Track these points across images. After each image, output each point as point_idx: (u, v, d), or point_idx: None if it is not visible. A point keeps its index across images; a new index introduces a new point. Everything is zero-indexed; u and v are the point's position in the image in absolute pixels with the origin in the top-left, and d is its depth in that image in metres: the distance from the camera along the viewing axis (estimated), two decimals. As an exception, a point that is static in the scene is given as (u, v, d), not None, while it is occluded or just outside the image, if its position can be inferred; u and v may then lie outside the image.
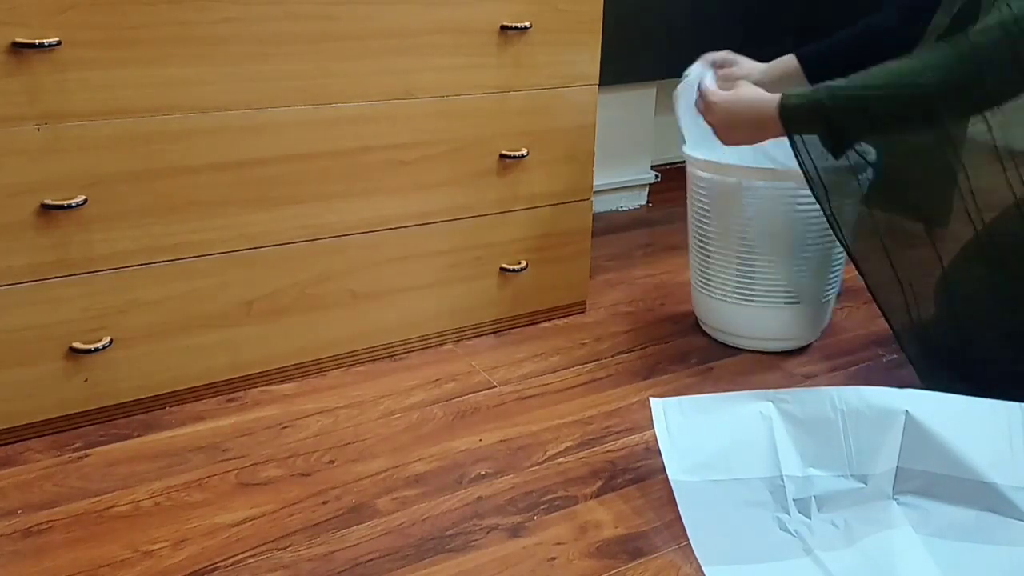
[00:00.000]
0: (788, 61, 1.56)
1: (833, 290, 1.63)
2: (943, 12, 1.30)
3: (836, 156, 1.29)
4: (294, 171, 1.40)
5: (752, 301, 1.59)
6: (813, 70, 1.54)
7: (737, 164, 1.52)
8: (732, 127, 1.36)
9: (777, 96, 1.30)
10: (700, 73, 1.53)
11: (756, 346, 1.63)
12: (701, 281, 1.66)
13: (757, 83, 1.51)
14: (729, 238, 1.57)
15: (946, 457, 1.13)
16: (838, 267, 1.61)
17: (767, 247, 1.54)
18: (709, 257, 1.62)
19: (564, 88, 1.60)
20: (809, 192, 1.48)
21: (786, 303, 1.58)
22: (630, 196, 2.45)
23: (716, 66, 1.57)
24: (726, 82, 1.49)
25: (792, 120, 1.28)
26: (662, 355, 1.62)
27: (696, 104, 1.44)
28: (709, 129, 1.41)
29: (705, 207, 1.59)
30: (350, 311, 1.52)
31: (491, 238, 1.62)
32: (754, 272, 1.57)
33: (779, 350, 1.63)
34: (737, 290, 1.60)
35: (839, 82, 1.24)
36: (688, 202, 1.65)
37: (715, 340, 1.67)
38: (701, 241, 1.63)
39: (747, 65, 1.58)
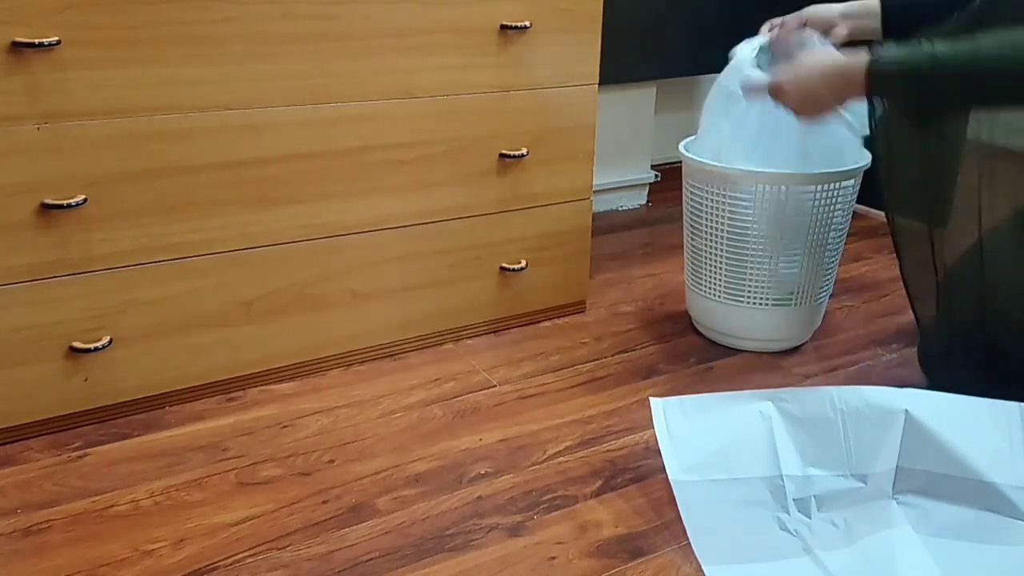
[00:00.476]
0: (868, 3, 1.48)
1: (826, 292, 1.63)
2: None
3: (918, 125, 1.24)
4: (294, 171, 1.40)
5: (741, 301, 1.59)
6: (892, 14, 1.46)
7: (727, 166, 1.52)
8: (813, 98, 1.28)
9: (863, 58, 1.21)
10: (745, 60, 1.47)
11: (745, 346, 1.63)
12: (693, 280, 1.66)
13: (839, 29, 1.46)
14: (719, 238, 1.57)
15: (946, 456, 1.13)
16: (830, 269, 1.61)
17: (756, 248, 1.54)
18: (700, 256, 1.62)
19: (564, 88, 1.60)
20: (799, 194, 1.49)
21: (775, 304, 1.58)
22: (630, 196, 2.45)
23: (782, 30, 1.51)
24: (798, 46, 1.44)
25: (882, 85, 1.20)
26: (662, 355, 1.62)
27: (748, 90, 1.41)
28: (729, 130, 1.38)
29: (697, 207, 1.60)
30: (350, 311, 1.52)
31: (491, 238, 1.62)
32: (743, 273, 1.57)
33: (768, 350, 1.63)
34: (727, 290, 1.60)
35: (941, 47, 1.14)
36: (683, 202, 1.65)
37: (710, 339, 1.67)
38: (693, 240, 1.63)
39: (823, 12, 1.48)
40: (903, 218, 1.32)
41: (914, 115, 1.23)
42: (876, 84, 1.20)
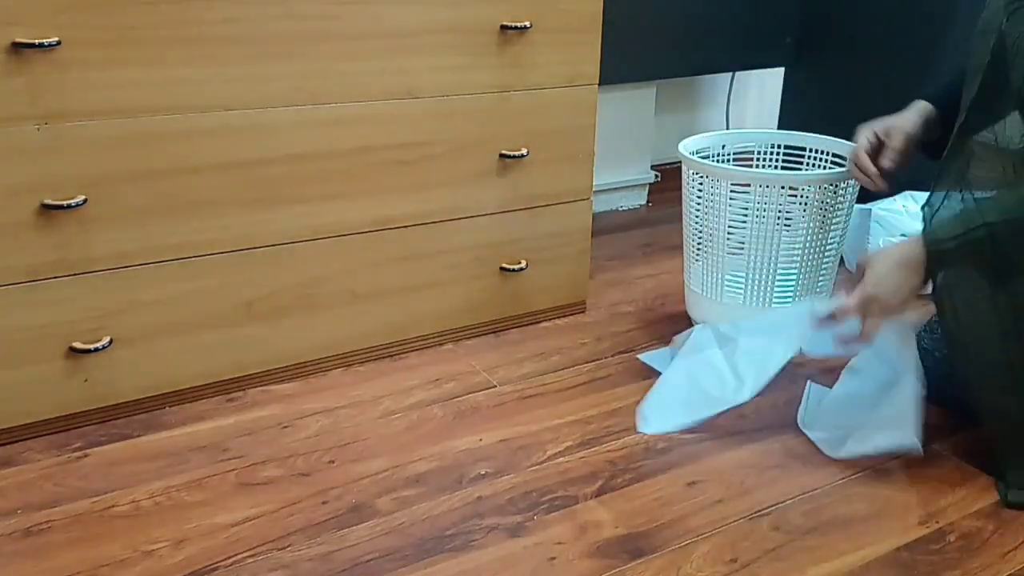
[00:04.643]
0: (923, 107, 1.45)
1: (825, 292, 1.63)
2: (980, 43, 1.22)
3: (995, 284, 1.23)
4: (294, 171, 1.40)
5: (741, 302, 1.59)
6: (944, 110, 1.43)
7: (727, 166, 1.53)
8: (898, 295, 1.26)
9: (917, 243, 1.24)
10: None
11: None
12: (693, 280, 1.66)
13: (913, 135, 1.42)
14: (719, 238, 1.57)
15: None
16: (828, 270, 1.61)
17: (756, 248, 1.54)
18: (700, 257, 1.62)
19: (564, 88, 1.60)
20: (798, 195, 1.49)
21: (775, 305, 1.58)
22: (630, 196, 2.45)
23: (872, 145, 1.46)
24: (892, 155, 1.41)
25: (945, 264, 1.24)
26: (662, 355, 1.62)
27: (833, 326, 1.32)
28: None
29: (697, 207, 1.60)
30: (350, 311, 1.52)
31: (491, 238, 1.62)
32: (743, 273, 1.57)
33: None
34: (727, 290, 1.60)
35: (991, 214, 1.18)
36: (683, 202, 1.66)
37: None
38: (693, 241, 1.63)
39: (898, 127, 1.44)
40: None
41: (989, 277, 1.23)
42: (937, 262, 1.23)
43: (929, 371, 1.41)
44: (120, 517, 1.17)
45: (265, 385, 1.49)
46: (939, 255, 1.23)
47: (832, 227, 1.55)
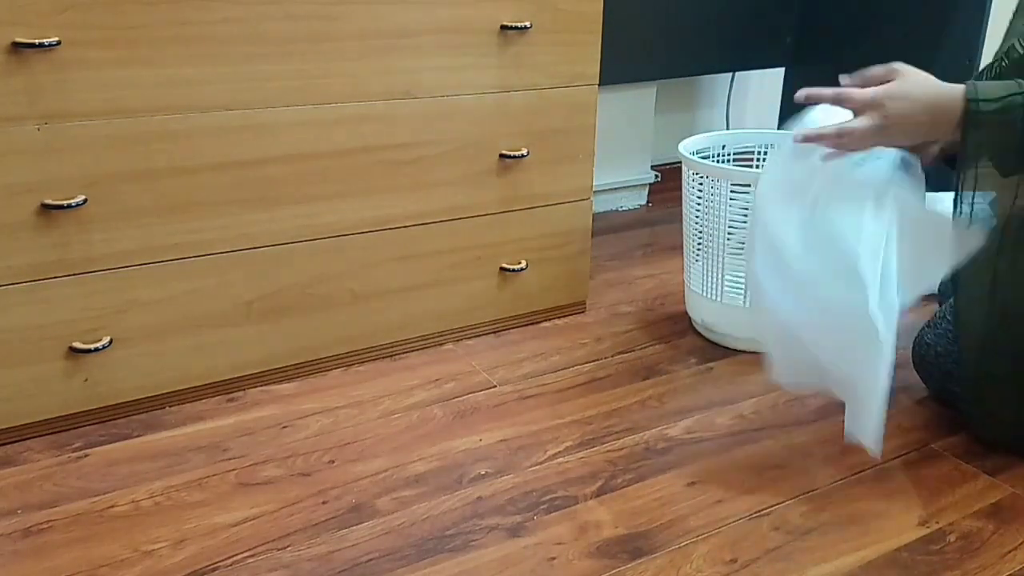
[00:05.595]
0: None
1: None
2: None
3: (1010, 173, 1.14)
4: (294, 171, 1.40)
5: (741, 302, 1.59)
6: None
7: (727, 166, 1.52)
8: (910, 124, 1.13)
9: (958, 89, 1.11)
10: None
11: (745, 346, 1.63)
12: (693, 281, 1.66)
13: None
14: (719, 238, 1.57)
15: None
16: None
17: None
18: (700, 257, 1.62)
19: (564, 88, 1.60)
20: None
21: None
22: (630, 196, 2.45)
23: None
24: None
25: (980, 119, 1.11)
26: (662, 355, 1.62)
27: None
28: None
29: (697, 207, 1.60)
30: (350, 311, 1.52)
31: (491, 238, 1.62)
32: (743, 273, 1.57)
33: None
34: (727, 291, 1.60)
35: None
36: (683, 203, 1.66)
37: (710, 340, 1.67)
38: (693, 241, 1.63)
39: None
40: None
41: (1011, 161, 1.14)
42: (973, 118, 1.11)
43: (930, 367, 1.42)
44: (120, 517, 1.17)
45: (265, 385, 1.49)
46: (976, 115, 1.10)
47: (832, 227, 1.55)
